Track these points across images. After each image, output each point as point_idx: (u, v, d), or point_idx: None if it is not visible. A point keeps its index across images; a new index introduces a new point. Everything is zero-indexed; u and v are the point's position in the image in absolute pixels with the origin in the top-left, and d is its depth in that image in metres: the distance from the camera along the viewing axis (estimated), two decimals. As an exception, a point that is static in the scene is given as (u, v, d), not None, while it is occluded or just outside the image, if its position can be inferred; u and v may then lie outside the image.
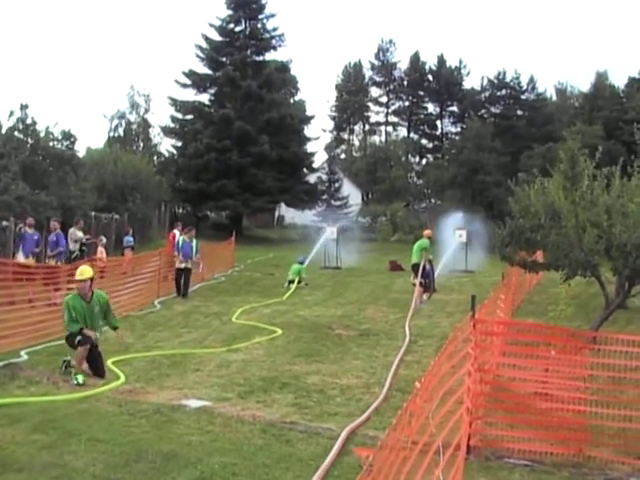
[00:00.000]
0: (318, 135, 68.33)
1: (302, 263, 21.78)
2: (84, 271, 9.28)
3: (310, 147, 56.61)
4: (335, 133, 76.85)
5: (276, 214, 57.36)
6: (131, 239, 23.87)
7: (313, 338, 12.26)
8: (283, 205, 52.57)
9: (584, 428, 6.16)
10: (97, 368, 9.09)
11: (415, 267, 17.06)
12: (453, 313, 15.15)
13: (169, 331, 13.01)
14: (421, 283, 16.77)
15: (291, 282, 20.54)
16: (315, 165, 57.60)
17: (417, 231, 18.83)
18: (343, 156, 73.73)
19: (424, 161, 73.07)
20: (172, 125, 52.00)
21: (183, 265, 17.64)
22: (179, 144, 51.29)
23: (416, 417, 4.17)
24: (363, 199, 63.19)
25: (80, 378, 8.63)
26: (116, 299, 14.87)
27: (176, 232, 19.84)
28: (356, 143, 78.66)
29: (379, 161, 59.94)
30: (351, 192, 58.50)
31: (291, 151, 48.76)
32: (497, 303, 10.10)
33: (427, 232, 18.04)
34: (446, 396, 4.95)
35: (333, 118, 76.39)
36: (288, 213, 57.14)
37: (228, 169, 45.42)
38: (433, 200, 59.79)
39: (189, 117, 51.01)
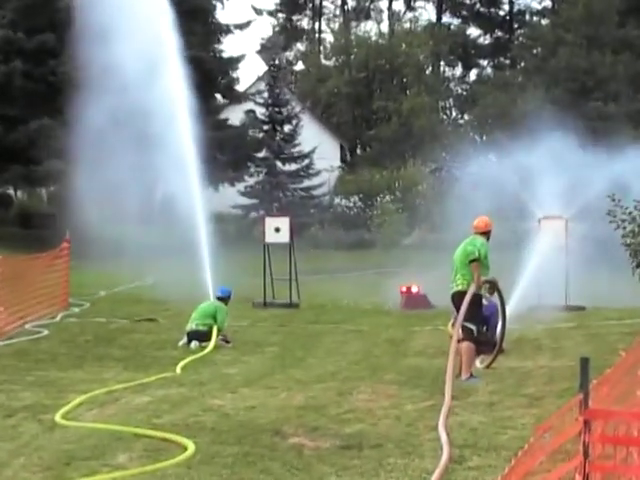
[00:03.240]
0: (247, 20, 41.57)
1: (224, 299, 15.03)
2: None
3: (228, 48, 37.60)
4: (283, 17, 50.27)
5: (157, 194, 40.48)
6: None
7: (243, 457, 8.08)
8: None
9: None
10: None
11: (458, 298, 11.19)
12: (540, 398, 10.73)
13: None
14: (467, 332, 11.19)
15: (196, 337, 13.90)
16: (239, 87, 39.17)
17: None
18: (300, 67, 50.22)
19: (473, 74, 51.94)
20: None
21: None
22: None
23: None
24: (343, 158, 46.33)
25: None
26: None
27: None
28: (328, 39, 52.19)
29: (377, 74, 42.67)
30: (321, 143, 40.18)
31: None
32: (637, 373, 6.93)
33: (481, 221, 11.80)
34: None
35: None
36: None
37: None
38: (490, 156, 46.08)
39: None
